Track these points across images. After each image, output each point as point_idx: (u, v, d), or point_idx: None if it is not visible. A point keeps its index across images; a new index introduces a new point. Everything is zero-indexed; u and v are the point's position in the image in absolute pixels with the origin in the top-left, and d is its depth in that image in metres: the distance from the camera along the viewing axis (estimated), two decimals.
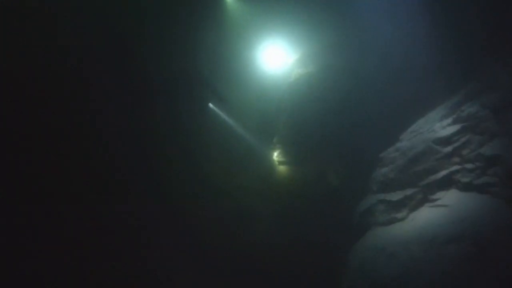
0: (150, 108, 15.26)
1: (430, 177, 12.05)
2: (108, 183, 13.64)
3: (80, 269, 12.04)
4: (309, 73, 19.04)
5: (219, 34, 18.37)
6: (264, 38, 19.36)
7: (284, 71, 20.12)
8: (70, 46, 13.04)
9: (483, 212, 9.80)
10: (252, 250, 15.00)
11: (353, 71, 17.01)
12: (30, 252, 11.36)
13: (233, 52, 19.05)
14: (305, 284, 13.74)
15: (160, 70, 15.78)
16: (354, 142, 16.31)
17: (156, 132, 15.36)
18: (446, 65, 13.55)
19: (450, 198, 11.16)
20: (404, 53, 15.25)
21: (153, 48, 15.48)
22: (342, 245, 13.39)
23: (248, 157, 18.68)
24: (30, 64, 12.16)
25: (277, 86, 19.91)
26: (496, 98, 11.38)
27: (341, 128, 17.05)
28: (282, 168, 19.10)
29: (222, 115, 18.55)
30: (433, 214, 11.08)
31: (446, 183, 11.59)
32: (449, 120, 12.57)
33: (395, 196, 12.70)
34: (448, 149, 11.94)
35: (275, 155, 19.55)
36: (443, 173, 11.78)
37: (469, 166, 11.16)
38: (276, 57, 20.12)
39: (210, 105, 18.30)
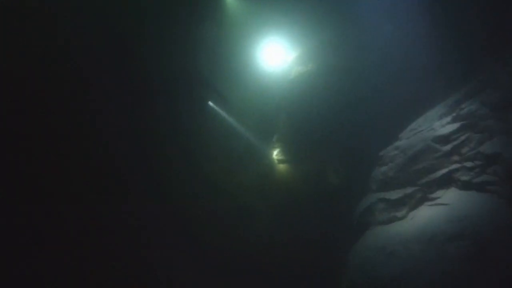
0: (150, 108, 15.26)
1: (430, 176, 12.05)
2: (108, 183, 13.63)
3: (80, 269, 12.02)
4: (309, 71, 19.03)
5: (219, 34, 18.37)
6: (263, 36, 19.37)
7: (283, 69, 20.12)
8: (70, 46, 13.05)
9: (482, 211, 9.79)
10: (252, 249, 15.01)
11: (353, 69, 17.00)
12: (30, 252, 11.35)
13: (233, 51, 19.05)
14: (304, 283, 13.73)
15: (160, 70, 15.78)
16: (354, 141, 16.33)
17: (156, 132, 15.36)
18: (446, 65, 13.58)
19: (449, 196, 11.16)
20: (404, 52, 15.26)
21: (153, 48, 15.49)
22: (341, 244, 13.36)
23: (248, 156, 18.68)
24: (30, 64, 12.17)
25: (277, 85, 19.91)
26: (496, 97, 11.39)
27: (341, 126, 17.06)
28: (282, 167, 19.11)
29: (222, 114, 18.56)
30: (432, 212, 11.06)
31: (445, 182, 11.60)
32: (449, 118, 12.59)
33: (395, 194, 12.69)
34: (448, 147, 11.95)
35: (275, 154, 19.55)
36: (442, 171, 11.79)
37: (468, 164, 11.16)
38: (276, 55, 20.13)
39: (210, 103, 18.31)
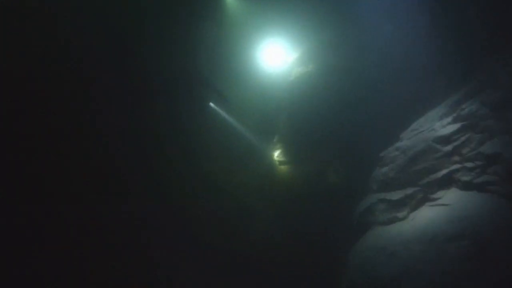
0: (150, 108, 15.26)
1: (431, 176, 12.02)
2: (108, 183, 13.65)
3: (80, 269, 12.03)
4: (309, 72, 19.04)
5: (219, 34, 18.39)
6: (264, 37, 19.37)
7: (284, 70, 20.13)
8: (70, 46, 13.06)
9: (483, 211, 9.77)
10: (252, 249, 15.01)
11: (353, 70, 17.00)
12: (30, 252, 11.35)
13: (233, 51, 19.06)
14: (305, 283, 13.73)
15: (160, 70, 15.79)
16: (354, 141, 16.31)
17: (156, 132, 15.36)
18: (446, 65, 13.58)
19: (450, 197, 11.12)
20: (404, 52, 15.25)
21: (153, 48, 15.49)
22: (342, 244, 13.34)
23: (248, 156, 18.69)
24: (30, 64, 12.18)
25: (277, 85, 19.92)
26: (496, 97, 11.38)
27: (342, 127, 17.05)
28: (282, 168, 19.12)
29: (222, 114, 18.57)
30: (433, 213, 11.03)
31: (446, 182, 11.56)
32: (449, 118, 12.58)
33: (396, 195, 12.64)
34: (448, 148, 11.92)
35: (276, 155, 19.55)
36: (443, 172, 11.75)
37: (469, 164, 11.14)
38: (276, 56, 20.13)
39: (211, 104, 18.32)
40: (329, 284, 12.84)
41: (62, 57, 12.90)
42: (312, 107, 18.10)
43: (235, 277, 13.93)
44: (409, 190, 12.34)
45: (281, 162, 19.27)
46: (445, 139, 12.13)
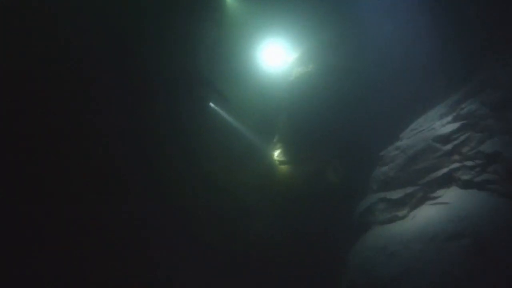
0: (150, 108, 15.26)
1: (431, 175, 12.06)
2: (108, 183, 13.62)
3: (80, 269, 12.00)
4: (309, 72, 19.09)
5: (219, 34, 18.42)
6: (264, 37, 19.41)
7: (284, 70, 20.15)
8: (70, 46, 13.06)
9: (483, 210, 9.79)
10: (252, 249, 15.01)
11: (353, 69, 17.06)
12: (30, 252, 11.33)
13: (233, 51, 19.09)
14: (305, 283, 13.71)
15: (160, 70, 15.79)
16: (354, 141, 16.35)
17: (156, 132, 15.35)
18: (446, 64, 13.61)
19: (450, 195, 11.15)
20: (404, 52, 15.31)
21: (153, 48, 15.49)
22: (342, 244, 13.35)
23: (248, 156, 18.70)
24: (30, 64, 12.17)
25: (277, 85, 19.95)
26: (496, 97, 11.42)
27: (342, 126, 17.09)
28: (282, 167, 19.12)
29: (223, 114, 18.58)
30: (433, 212, 11.05)
31: (446, 181, 11.61)
32: (449, 118, 12.61)
33: (396, 194, 12.67)
34: (448, 147, 11.96)
35: (276, 155, 19.56)
36: (443, 171, 11.79)
37: (469, 163, 11.17)
38: (276, 56, 20.17)
39: (211, 104, 18.34)
40: (329, 284, 12.81)
41: (62, 57, 12.87)
42: (312, 107, 18.14)
43: (235, 277, 13.89)
44: (409, 189, 12.38)
45: (281, 162, 19.29)
46: (445, 138, 12.17)
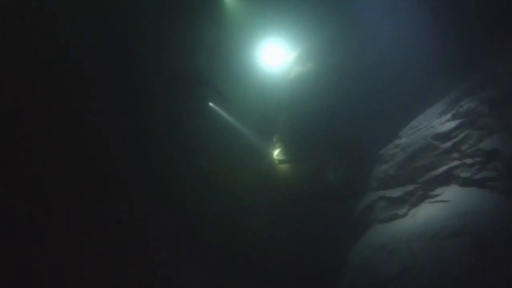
0: (150, 108, 15.28)
1: (430, 173, 12.06)
2: (108, 183, 13.62)
3: (80, 269, 11.99)
4: (309, 71, 19.12)
5: (219, 34, 18.45)
6: (263, 36, 19.44)
7: (283, 70, 20.18)
8: (70, 46, 13.09)
9: (483, 207, 9.77)
10: (252, 249, 14.98)
11: (353, 69, 17.07)
12: (30, 252, 11.33)
13: (232, 51, 19.12)
14: (305, 282, 13.67)
15: (160, 70, 15.82)
16: (354, 140, 16.35)
17: (156, 132, 15.37)
18: (445, 63, 13.62)
19: (450, 193, 11.15)
20: (404, 52, 15.32)
21: (153, 48, 15.53)
22: (342, 242, 13.36)
23: (248, 156, 18.69)
24: (30, 64, 12.20)
25: (277, 85, 19.97)
26: (495, 93, 11.41)
27: (341, 126, 17.09)
28: (282, 166, 19.12)
29: (222, 114, 18.60)
30: (433, 210, 11.05)
31: (446, 179, 11.61)
32: (448, 115, 12.62)
33: (395, 192, 12.68)
34: (448, 144, 11.97)
35: (276, 154, 19.57)
36: (442, 168, 11.79)
37: (468, 161, 11.17)
38: (275, 56, 20.19)
39: (211, 104, 18.36)
40: (329, 283, 12.79)
41: (62, 57, 12.91)
42: (312, 106, 18.15)
43: (235, 277, 13.88)
44: (409, 187, 12.38)
45: (280, 161, 19.27)
46: (444, 136, 12.17)
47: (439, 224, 10.20)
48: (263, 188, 17.53)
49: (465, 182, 10.95)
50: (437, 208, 10.95)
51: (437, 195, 11.50)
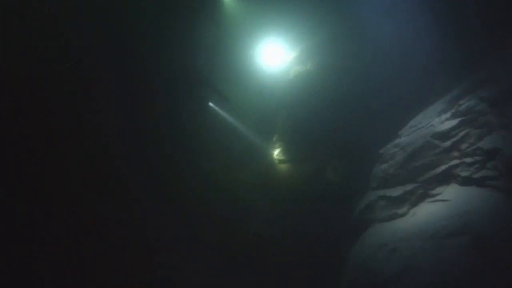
0: (150, 108, 15.29)
1: (430, 172, 12.05)
2: (108, 183, 13.63)
3: (80, 269, 11.99)
4: (308, 71, 19.13)
5: (218, 33, 18.47)
6: (262, 36, 19.47)
7: (283, 69, 20.20)
8: (70, 46, 13.11)
9: (483, 206, 9.76)
10: (252, 248, 14.97)
11: (352, 68, 17.09)
12: (30, 252, 11.33)
13: (232, 51, 19.15)
14: (305, 282, 13.67)
15: (160, 70, 15.83)
16: (354, 139, 16.37)
17: (156, 132, 15.38)
18: (445, 62, 13.64)
19: (450, 192, 11.14)
20: (404, 52, 15.34)
21: (153, 48, 15.54)
22: (342, 242, 13.37)
23: (248, 155, 18.70)
24: (30, 64, 12.21)
25: (276, 84, 19.99)
26: (495, 93, 11.43)
27: (341, 125, 17.11)
28: (282, 166, 19.12)
29: (222, 113, 18.63)
30: (433, 209, 11.03)
31: (445, 178, 11.59)
32: (448, 114, 12.61)
33: (395, 191, 12.67)
34: (447, 143, 11.97)
35: (276, 154, 19.58)
36: (442, 167, 11.79)
37: (468, 160, 11.16)
38: (275, 55, 20.21)
39: (211, 104, 18.39)
40: (329, 283, 12.78)
41: (62, 57, 12.92)
42: (311, 106, 18.16)
43: (235, 277, 13.86)
44: (409, 186, 12.37)
45: (280, 161, 19.28)
46: (444, 135, 12.17)
47: (439, 223, 10.17)
48: (263, 188, 17.50)
49: (465, 181, 10.94)
50: (437, 207, 10.93)
51: (437, 194, 11.48)
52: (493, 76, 12.02)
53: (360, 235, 12.81)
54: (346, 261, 12.45)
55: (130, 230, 13.56)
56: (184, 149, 15.99)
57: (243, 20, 18.86)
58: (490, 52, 12.72)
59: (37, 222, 11.71)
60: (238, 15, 18.86)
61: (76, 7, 13.18)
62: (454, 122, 12.14)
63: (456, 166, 11.43)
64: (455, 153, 11.69)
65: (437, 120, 12.86)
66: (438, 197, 11.33)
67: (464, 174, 11.05)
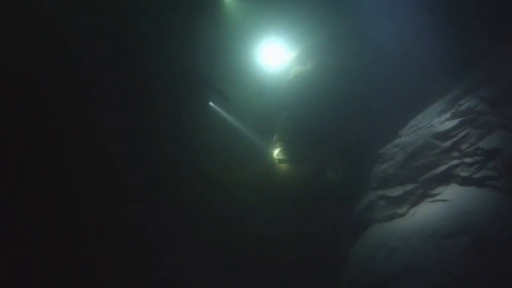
0: (150, 108, 15.29)
1: (430, 172, 12.06)
2: (108, 183, 13.63)
3: (80, 269, 12.00)
4: (308, 70, 19.13)
5: (218, 34, 18.47)
6: (262, 36, 19.47)
7: (283, 69, 20.20)
8: (70, 46, 13.11)
9: (483, 206, 9.77)
10: (252, 248, 14.97)
11: (352, 68, 17.07)
12: (30, 252, 11.34)
13: (232, 51, 19.15)
14: (305, 281, 13.68)
15: (160, 70, 15.83)
16: (354, 139, 16.38)
17: (156, 132, 15.38)
18: (445, 62, 13.65)
19: (449, 192, 11.15)
20: (404, 52, 15.34)
21: (153, 48, 15.54)
22: (342, 242, 13.38)
23: (249, 155, 18.69)
24: (30, 64, 12.22)
25: (276, 84, 19.98)
26: (495, 93, 11.44)
27: (341, 125, 17.10)
28: (282, 166, 19.12)
29: (222, 113, 18.63)
30: (433, 209, 11.04)
31: (445, 178, 11.59)
32: (448, 114, 12.62)
33: (395, 191, 12.68)
34: (447, 143, 11.97)
35: (276, 153, 19.58)
36: (442, 168, 11.79)
37: (468, 160, 11.17)
38: (275, 55, 20.21)
39: (211, 103, 18.39)
40: (329, 282, 12.80)
41: (62, 57, 12.93)
42: (311, 106, 18.15)
43: (235, 277, 13.86)
44: (409, 187, 12.38)
45: (280, 161, 19.27)
46: (444, 135, 12.17)
47: (439, 223, 10.18)
48: (263, 187, 17.49)
49: (465, 181, 10.94)
50: (437, 207, 10.94)
51: (437, 194, 11.48)
52: (493, 76, 12.03)
53: (360, 235, 12.83)
54: (346, 261, 12.46)
55: (130, 230, 13.56)
56: (184, 149, 15.98)
57: (243, 20, 18.85)
58: (490, 52, 12.74)
59: (37, 222, 11.71)
60: (238, 15, 18.86)
61: (76, 7, 13.18)
62: (454, 122, 12.14)
63: (456, 166, 11.43)
64: (455, 153, 11.70)
65: (437, 120, 12.86)
66: (438, 197, 11.34)
67: (464, 174, 11.06)
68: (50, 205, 12.17)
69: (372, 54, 16.29)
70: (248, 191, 17.10)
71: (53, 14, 12.67)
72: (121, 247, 13.14)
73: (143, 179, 14.63)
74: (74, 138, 13.23)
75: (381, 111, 15.49)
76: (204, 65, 17.85)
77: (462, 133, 11.73)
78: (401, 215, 11.98)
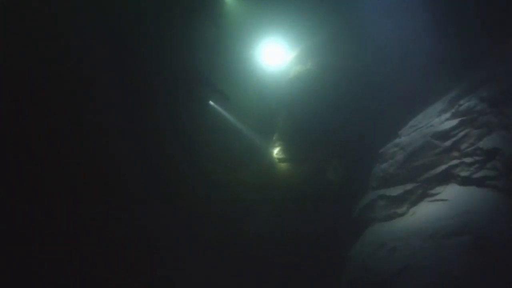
0: (150, 108, 15.30)
1: (430, 172, 12.07)
2: (109, 183, 13.63)
3: (80, 269, 12.00)
4: (308, 70, 19.12)
5: (218, 33, 18.48)
6: (262, 36, 19.47)
7: (283, 69, 20.20)
8: (70, 46, 13.12)
9: (483, 206, 9.79)
10: (252, 248, 14.98)
11: (352, 68, 17.04)
12: (30, 252, 11.34)
13: (232, 50, 19.16)
14: (305, 281, 13.68)
15: (160, 70, 15.84)
16: (354, 139, 16.36)
17: (156, 132, 15.38)
18: (445, 62, 13.65)
19: (449, 192, 11.16)
20: (404, 52, 15.33)
21: (152, 48, 15.55)
22: (342, 241, 13.37)
23: (249, 155, 18.70)
24: (30, 64, 12.23)
25: (276, 84, 19.99)
26: (495, 93, 11.44)
27: (341, 125, 17.07)
28: (282, 166, 19.12)
29: (223, 113, 18.64)
30: (433, 209, 11.06)
31: (445, 178, 11.60)
32: (448, 114, 12.62)
33: (395, 191, 12.69)
34: (447, 143, 11.98)
35: (276, 153, 19.58)
36: (442, 167, 11.80)
37: (468, 160, 11.18)
38: (275, 55, 20.21)
39: (211, 103, 18.40)
40: (329, 282, 12.79)
41: (62, 57, 12.94)
42: (311, 106, 18.13)
43: (235, 277, 13.86)
44: (409, 186, 12.39)
45: (280, 160, 19.27)
46: (444, 135, 12.18)
47: (438, 223, 10.20)
48: (263, 187, 17.49)
49: (465, 181, 10.95)
50: (437, 207, 10.95)
51: (437, 194, 11.49)
52: (493, 76, 12.03)
53: (360, 235, 12.84)
54: (346, 261, 12.46)
55: (130, 230, 13.56)
56: (184, 149, 15.98)
57: (243, 20, 18.86)
58: (490, 52, 12.74)
59: (37, 222, 11.71)
60: (238, 15, 18.87)
61: (76, 7, 13.19)
62: (454, 122, 12.14)
63: (456, 166, 11.44)
64: (455, 153, 11.70)
65: (437, 120, 12.87)
66: (438, 197, 11.35)
67: (464, 174, 11.07)
68: (50, 205, 12.16)
69: (372, 54, 16.27)
70: (248, 191, 17.09)
71: (53, 14, 12.68)
72: (121, 247, 13.13)
73: (143, 179, 14.63)
74: (74, 138, 13.23)
75: (381, 111, 15.47)
76: (204, 65, 17.84)
77: (462, 133, 11.74)
78: (401, 215, 11.99)
